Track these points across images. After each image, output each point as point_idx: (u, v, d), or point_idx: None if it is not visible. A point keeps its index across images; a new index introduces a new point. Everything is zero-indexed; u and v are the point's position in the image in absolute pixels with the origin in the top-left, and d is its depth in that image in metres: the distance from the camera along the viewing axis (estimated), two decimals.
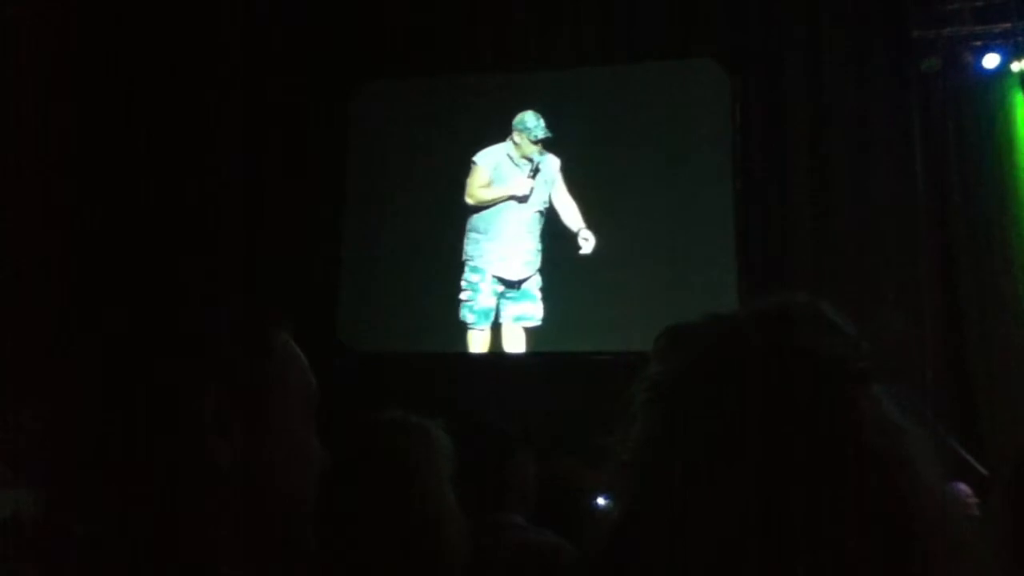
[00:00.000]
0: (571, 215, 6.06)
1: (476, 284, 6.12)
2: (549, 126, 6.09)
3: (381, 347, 5.81)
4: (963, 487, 3.48)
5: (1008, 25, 5.32)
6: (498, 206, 6.20)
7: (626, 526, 0.60)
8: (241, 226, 5.75)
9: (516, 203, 6.17)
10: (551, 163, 6.13)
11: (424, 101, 6.24)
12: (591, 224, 5.91)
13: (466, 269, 6.12)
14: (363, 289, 6.06)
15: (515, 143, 6.17)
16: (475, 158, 6.19)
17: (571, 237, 5.99)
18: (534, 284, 6.11)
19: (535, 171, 6.12)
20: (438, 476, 1.45)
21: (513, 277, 6.14)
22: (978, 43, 5.41)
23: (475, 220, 6.23)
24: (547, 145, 6.10)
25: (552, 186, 6.12)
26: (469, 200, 6.23)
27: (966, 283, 5.30)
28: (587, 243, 5.96)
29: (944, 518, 0.59)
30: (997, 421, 4.92)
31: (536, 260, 6.11)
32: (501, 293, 6.13)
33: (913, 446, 0.60)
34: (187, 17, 5.79)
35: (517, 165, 6.19)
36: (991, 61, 5.38)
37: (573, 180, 6.01)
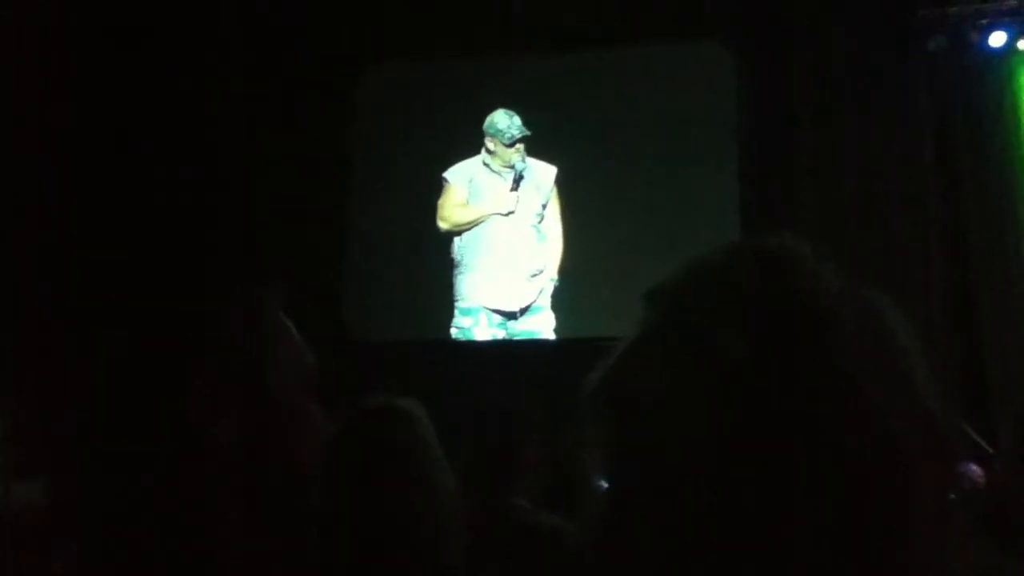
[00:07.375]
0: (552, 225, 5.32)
1: (469, 329, 5.38)
2: (527, 123, 5.31)
3: (387, 336, 5.64)
4: (974, 467, 3.51)
5: (1015, 2, 5.27)
6: (481, 227, 5.36)
7: (616, 498, 0.59)
8: (243, 213, 5.74)
9: (502, 220, 5.33)
10: (541, 170, 5.41)
11: (429, 87, 5.85)
12: (596, 215, 5.42)
13: (455, 312, 5.41)
14: (368, 278, 5.75)
15: (489, 151, 5.37)
16: (445, 174, 5.46)
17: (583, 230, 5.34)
18: (541, 299, 5.36)
19: (518, 180, 5.28)
20: (429, 457, 1.45)
21: (513, 307, 5.32)
22: (984, 21, 5.35)
23: (456, 249, 5.40)
24: (540, 148, 5.41)
25: (548, 196, 5.39)
26: (442, 224, 5.38)
27: (976, 262, 5.28)
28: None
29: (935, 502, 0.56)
30: (1008, 405, 4.90)
31: (540, 280, 5.36)
32: (501, 323, 5.37)
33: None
34: (187, 8, 5.78)
35: (497, 174, 5.35)
36: (997, 39, 5.32)
37: (571, 175, 5.42)
